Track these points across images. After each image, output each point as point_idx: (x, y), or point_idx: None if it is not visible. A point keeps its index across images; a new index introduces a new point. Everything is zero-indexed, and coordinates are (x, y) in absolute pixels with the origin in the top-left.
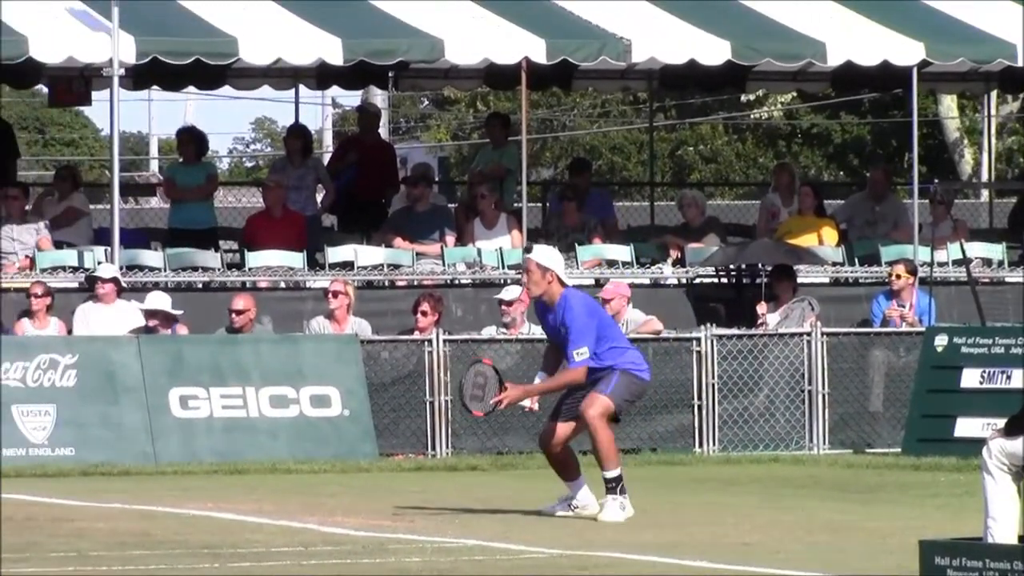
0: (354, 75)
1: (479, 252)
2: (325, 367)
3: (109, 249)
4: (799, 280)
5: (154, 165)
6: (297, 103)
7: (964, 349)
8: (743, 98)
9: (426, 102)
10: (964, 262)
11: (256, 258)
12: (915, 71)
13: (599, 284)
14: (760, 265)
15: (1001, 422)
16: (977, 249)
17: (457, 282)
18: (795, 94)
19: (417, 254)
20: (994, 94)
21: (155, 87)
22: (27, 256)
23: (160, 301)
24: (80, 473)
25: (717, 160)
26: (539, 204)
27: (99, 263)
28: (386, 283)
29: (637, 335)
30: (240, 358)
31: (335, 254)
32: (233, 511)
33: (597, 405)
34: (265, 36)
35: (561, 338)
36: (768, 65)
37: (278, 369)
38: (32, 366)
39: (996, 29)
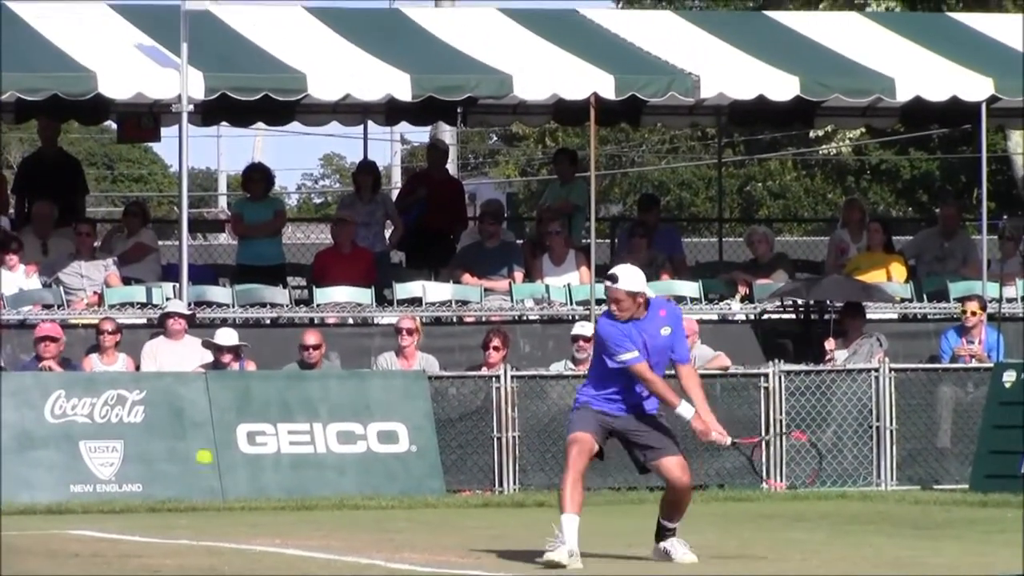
0: (423, 111)
1: (547, 288)
2: (393, 403)
3: (177, 285)
4: (867, 316)
5: (223, 201)
6: (366, 139)
7: None
8: (811, 134)
9: (495, 138)
10: None
11: (324, 294)
12: (984, 107)
13: None
14: (828, 301)
15: None
16: None
17: (525, 318)
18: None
19: (485, 290)
20: None
21: (224, 123)
22: (95, 292)
23: (226, 337)
24: (147, 509)
25: (785, 196)
26: (607, 240)
27: (168, 299)
28: (454, 319)
29: (705, 371)
30: (308, 394)
31: (403, 290)
32: (300, 547)
33: (685, 470)
34: (334, 72)
35: (660, 344)
36: (837, 101)
37: (345, 405)
38: (100, 402)
39: None
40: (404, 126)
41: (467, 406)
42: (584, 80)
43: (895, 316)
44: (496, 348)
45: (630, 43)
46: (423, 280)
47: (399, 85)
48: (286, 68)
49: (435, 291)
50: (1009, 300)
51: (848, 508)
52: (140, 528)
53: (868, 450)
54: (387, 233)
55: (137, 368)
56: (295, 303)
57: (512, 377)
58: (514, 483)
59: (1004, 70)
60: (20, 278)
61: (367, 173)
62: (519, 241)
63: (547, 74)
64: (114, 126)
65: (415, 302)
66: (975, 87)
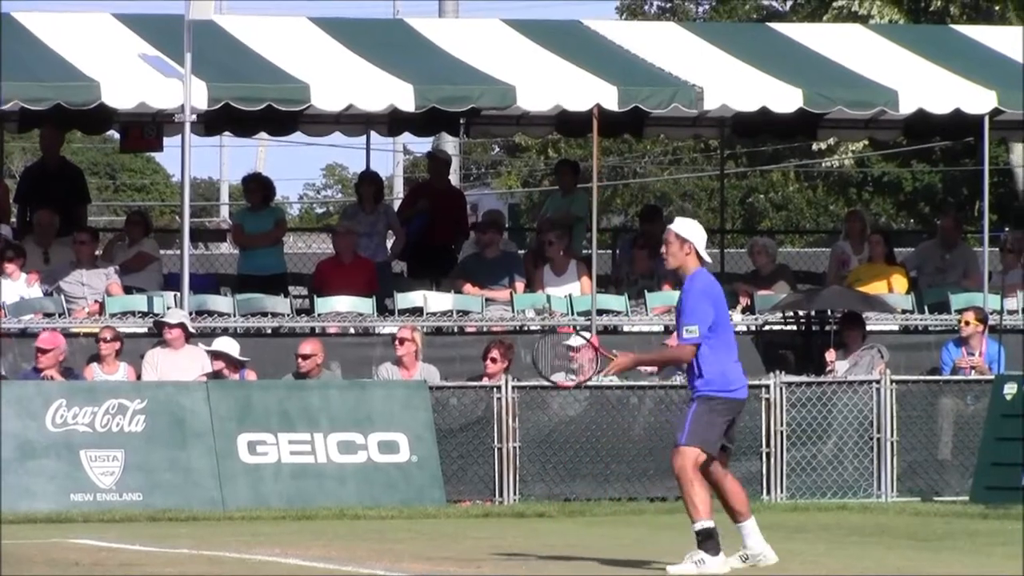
0: (425, 122)
1: (548, 299)
2: (393, 413)
3: (179, 294)
4: (868, 328)
5: (224, 211)
6: (368, 149)
7: None
8: (814, 146)
9: (497, 149)
10: None
11: (325, 304)
12: (987, 119)
13: (669, 331)
14: (830, 312)
15: None
16: None
17: (526, 328)
18: (867, 142)
19: (486, 300)
20: None
21: (227, 133)
22: (97, 301)
23: (227, 346)
24: (148, 518)
25: (788, 207)
26: (609, 251)
27: (168, 308)
28: (455, 329)
29: None
30: (308, 404)
31: (404, 300)
32: (300, 557)
33: (679, 456)
34: (337, 82)
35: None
36: (840, 113)
37: (346, 415)
38: (101, 411)
39: None
40: (407, 137)
41: (468, 416)
42: (587, 91)
43: (896, 328)
44: (494, 360)
45: (633, 54)
46: (424, 290)
47: (402, 96)
48: (289, 78)
49: (436, 301)
50: (1010, 312)
51: (848, 520)
52: (140, 537)
53: (869, 462)
54: (389, 243)
55: (138, 377)
56: (296, 313)
57: (513, 387)
58: (514, 494)
59: (1007, 83)
60: (21, 287)
61: (369, 183)
62: (520, 251)
63: (550, 85)
64: (117, 136)
65: (416, 312)
66: (978, 100)
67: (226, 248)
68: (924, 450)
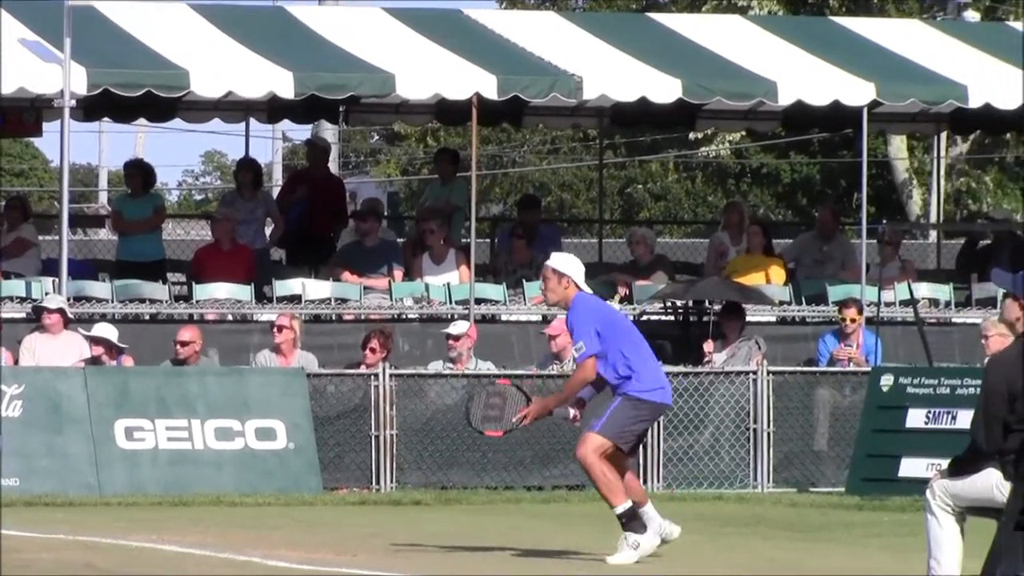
0: (305, 109)
1: (427, 287)
2: (271, 400)
3: (57, 280)
4: (746, 319)
5: (103, 197)
6: (247, 136)
7: (910, 389)
8: (692, 136)
9: (376, 137)
10: (911, 303)
11: (204, 291)
12: (865, 111)
13: (546, 320)
14: (708, 303)
15: (945, 463)
16: (924, 290)
17: (404, 317)
18: (744, 132)
19: (365, 288)
20: (944, 135)
21: (106, 119)
22: None
23: (106, 332)
24: (24, 504)
25: (666, 198)
26: (488, 240)
27: (46, 294)
28: (333, 317)
29: None
30: (186, 390)
31: (283, 287)
32: (177, 543)
33: (584, 443)
34: (216, 69)
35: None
36: (719, 104)
37: (224, 402)
38: None
39: (947, 70)
40: (286, 124)
41: (345, 404)
42: (466, 80)
43: (774, 319)
44: (373, 350)
45: (513, 43)
46: (303, 278)
47: (281, 83)
48: (169, 64)
49: (315, 289)
50: (888, 304)
51: (724, 510)
52: (17, 522)
53: (745, 452)
54: (267, 231)
55: (16, 363)
56: (174, 299)
57: (391, 375)
58: (391, 481)
59: (886, 75)
60: None
61: (248, 170)
62: (399, 240)
63: (430, 74)
64: None
65: (295, 299)
66: (857, 92)
67: (105, 234)
68: (800, 441)
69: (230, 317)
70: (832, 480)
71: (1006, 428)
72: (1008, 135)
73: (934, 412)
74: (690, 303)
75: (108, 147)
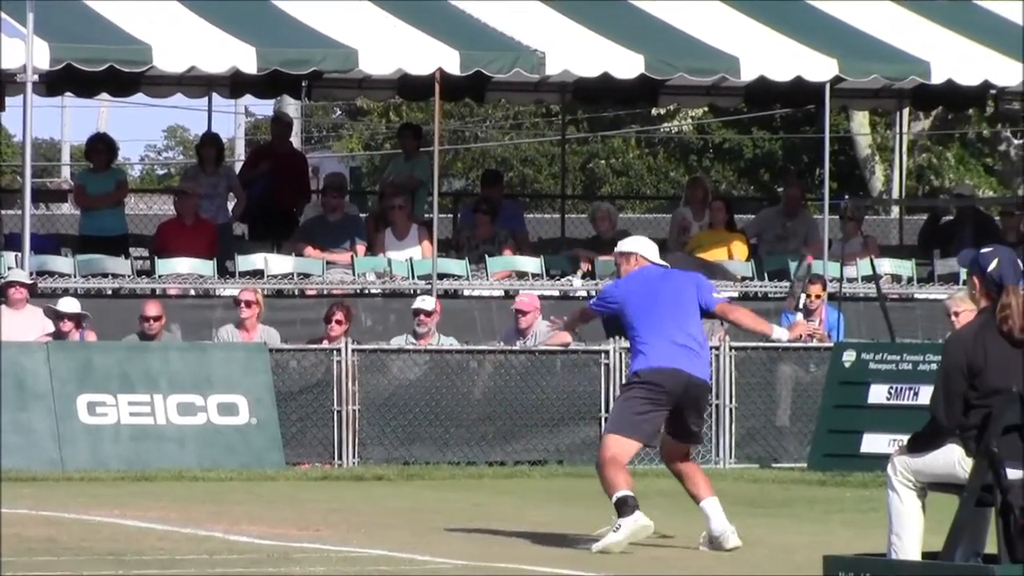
0: (268, 84)
1: (389, 262)
2: (233, 375)
3: (20, 255)
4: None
5: (66, 171)
6: (210, 111)
7: (872, 365)
8: (654, 111)
9: (339, 112)
10: (874, 278)
11: (166, 265)
12: (828, 87)
13: (509, 296)
14: None
15: (907, 439)
16: (887, 266)
17: (367, 292)
18: (706, 108)
19: (327, 263)
20: (906, 111)
21: (69, 93)
22: None
23: (69, 307)
24: None
25: (628, 173)
26: (450, 215)
27: (10, 268)
28: (296, 292)
29: (546, 347)
30: (148, 365)
31: (245, 262)
32: (139, 518)
33: (602, 449)
34: (179, 44)
35: None
36: (682, 79)
37: (186, 377)
38: None
39: (910, 46)
40: (249, 99)
41: (308, 379)
42: (429, 55)
43: (736, 294)
44: (339, 322)
45: (476, 19)
46: (265, 252)
47: (244, 58)
48: (131, 39)
49: (277, 264)
50: (850, 280)
51: None
52: None
53: (707, 428)
54: (230, 206)
55: None
56: (137, 274)
57: (353, 350)
58: (354, 456)
59: (848, 51)
60: None
61: (211, 145)
62: (362, 215)
63: (392, 49)
64: None
65: (257, 274)
66: (819, 68)
67: (67, 209)
68: (763, 417)
69: (192, 292)
70: (794, 456)
71: (967, 404)
72: (970, 111)
73: (896, 388)
74: None
75: (71, 122)
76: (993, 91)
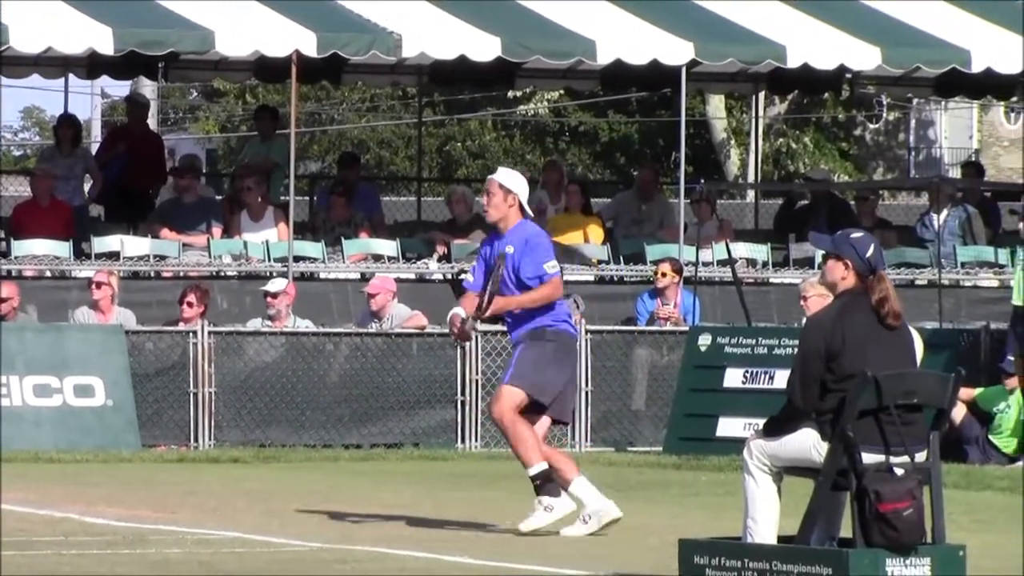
0: (124, 65)
1: (245, 244)
2: (89, 357)
3: None
4: (565, 278)
5: None
6: (67, 92)
7: (727, 349)
8: (510, 94)
9: (195, 93)
10: (729, 262)
11: (22, 247)
12: (684, 71)
13: (365, 278)
14: None
15: (762, 422)
16: (742, 250)
17: (223, 274)
18: (563, 91)
19: (183, 245)
20: (762, 95)
21: None
22: None
23: None
24: None
25: (485, 156)
26: (307, 198)
27: None
28: (152, 274)
29: (402, 330)
30: (4, 347)
31: (101, 244)
32: None
33: (497, 402)
34: (35, 24)
35: (511, 267)
36: (538, 62)
37: (42, 358)
38: None
39: (766, 30)
40: (105, 80)
41: (164, 361)
42: (286, 37)
43: (592, 278)
44: (190, 304)
45: (333, 1)
46: (121, 234)
47: (101, 39)
48: None
49: (133, 245)
50: (705, 264)
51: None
52: None
53: None
54: (86, 187)
55: None
56: None
57: (209, 333)
58: (210, 439)
59: (704, 35)
60: None
61: (67, 127)
62: (218, 197)
63: (249, 30)
64: None
65: (113, 256)
66: (675, 51)
67: None
68: (618, 400)
69: (48, 273)
70: (650, 439)
71: (824, 388)
72: (826, 95)
73: (752, 372)
74: None
75: None
76: (849, 75)
